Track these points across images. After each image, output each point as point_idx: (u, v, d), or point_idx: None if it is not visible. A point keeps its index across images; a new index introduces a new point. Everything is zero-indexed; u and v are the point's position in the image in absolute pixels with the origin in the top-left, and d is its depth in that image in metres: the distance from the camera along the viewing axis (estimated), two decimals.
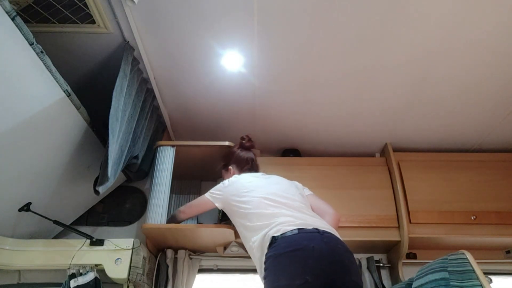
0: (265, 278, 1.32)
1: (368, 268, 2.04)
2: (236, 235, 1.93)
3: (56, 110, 1.48)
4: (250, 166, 1.86)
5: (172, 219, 1.85)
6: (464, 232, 1.97)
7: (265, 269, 1.33)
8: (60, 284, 1.69)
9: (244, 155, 1.88)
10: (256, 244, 1.43)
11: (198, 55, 1.76)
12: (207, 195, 1.72)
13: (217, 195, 1.69)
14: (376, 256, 2.11)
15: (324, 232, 1.37)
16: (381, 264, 2.11)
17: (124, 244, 1.78)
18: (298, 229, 1.36)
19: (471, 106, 2.01)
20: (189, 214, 1.82)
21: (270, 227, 1.40)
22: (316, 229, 1.37)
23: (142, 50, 1.72)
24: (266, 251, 1.37)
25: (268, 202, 1.51)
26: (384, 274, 2.11)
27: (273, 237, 1.36)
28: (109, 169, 1.48)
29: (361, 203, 2.07)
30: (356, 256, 1.86)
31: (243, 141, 1.93)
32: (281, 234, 1.35)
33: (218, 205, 1.69)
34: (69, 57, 1.74)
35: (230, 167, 1.87)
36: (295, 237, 1.33)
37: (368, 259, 2.06)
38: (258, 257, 1.43)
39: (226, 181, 1.72)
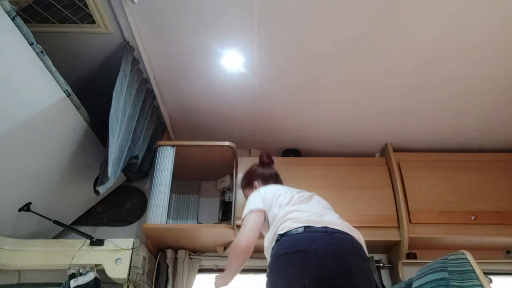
0: (267, 277, 1.30)
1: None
2: (236, 234, 1.93)
3: (56, 110, 1.48)
4: (274, 181, 1.80)
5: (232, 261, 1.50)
6: (464, 232, 1.97)
7: (268, 267, 1.31)
8: (60, 284, 1.69)
9: (267, 171, 1.83)
10: (267, 245, 1.41)
11: (198, 55, 1.76)
12: (250, 209, 1.50)
13: (257, 201, 1.53)
14: (376, 256, 2.12)
15: (334, 232, 1.29)
16: (381, 264, 2.12)
17: (124, 244, 1.78)
18: (305, 227, 1.29)
19: (472, 106, 2.01)
20: (252, 241, 1.46)
21: (279, 224, 1.36)
22: (325, 227, 1.29)
23: (142, 50, 1.72)
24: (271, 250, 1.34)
25: (289, 202, 1.47)
26: (384, 274, 2.11)
27: (279, 234, 1.33)
28: (109, 169, 1.48)
29: (361, 203, 2.07)
30: None
31: (263, 157, 1.90)
32: (286, 232, 1.31)
33: (262, 206, 1.50)
34: (69, 57, 1.74)
35: (255, 182, 1.79)
36: (299, 236, 1.28)
37: (368, 259, 2.06)
38: (268, 258, 1.39)
39: (260, 189, 1.62)
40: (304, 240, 1.27)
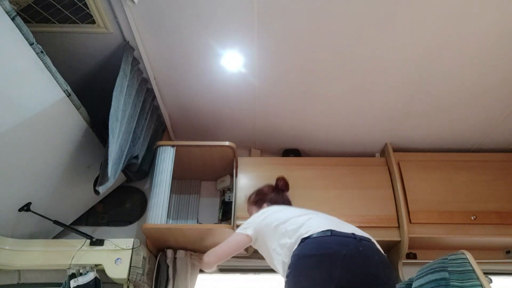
0: (287, 277, 1.25)
1: None
2: None
3: (56, 110, 1.48)
4: None
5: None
6: (464, 232, 1.97)
7: (289, 267, 1.25)
8: (60, 284, 1.69)
9: (280, 198, 1.76)
10: (279, 265, 1.34)
11: (198, 55, 1.76)
12: (241, 231, 1.52)
13: (252, 226, 1.52)
14: None
15: (362, 239, 1.24)
16: None
17: (124, 244, 1.77)
18: (331, 230, 1.24)
19: (471, 106, 2.01)
20: (221, 259, 1.54)
21: (301, 230, 1.31)
22: (353, 233, 1.25)
23: (142, 50, 1.72)
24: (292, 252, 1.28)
25: (301, 214, 1.43)
26: None
27: (302, 238, 1.27)
28: (109, 169, 1.48)
29: (361, 203, 2.07)
30: None
31: (280, 182, 1.86)
32: (311, 235, 1.25)
33: (251, 234, 1.50)
34: (69, 57, 1.74)
35: (264, 205, 1.73)
36: (327, 239, 1.22)
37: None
38: (282, 265, 1.32)
39: (259, 212, 1.59)
40: (333, 244, 1.21)
